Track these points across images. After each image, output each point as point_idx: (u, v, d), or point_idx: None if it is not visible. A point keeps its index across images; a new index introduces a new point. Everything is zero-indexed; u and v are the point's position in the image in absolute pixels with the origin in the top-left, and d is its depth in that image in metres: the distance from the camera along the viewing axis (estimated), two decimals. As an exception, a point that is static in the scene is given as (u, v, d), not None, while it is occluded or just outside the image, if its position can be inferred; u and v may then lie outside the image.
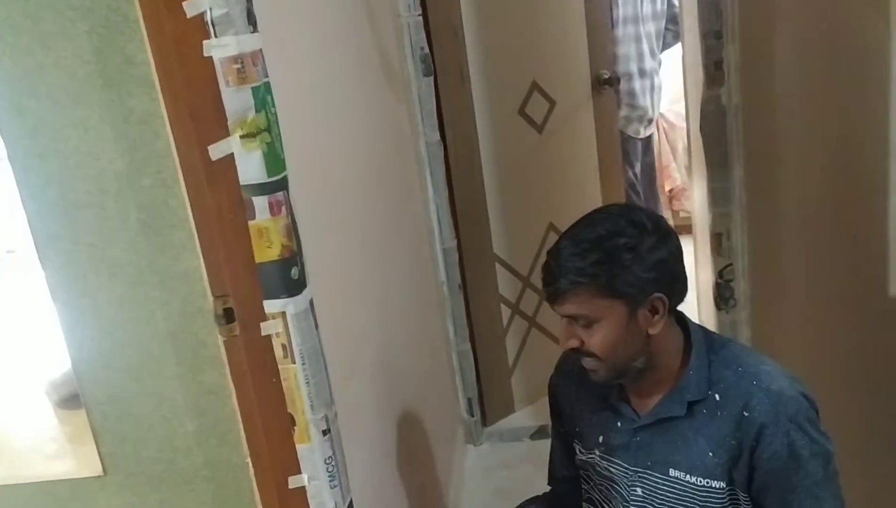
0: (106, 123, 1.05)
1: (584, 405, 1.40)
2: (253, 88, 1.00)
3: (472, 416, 2.85)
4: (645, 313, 1.20)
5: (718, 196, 2.54)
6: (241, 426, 1.16)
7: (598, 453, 1.38)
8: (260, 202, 1.04)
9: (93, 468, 1.21)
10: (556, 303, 1.22)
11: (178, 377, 1.16)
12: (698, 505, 1.27)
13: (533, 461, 2.75)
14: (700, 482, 1.26)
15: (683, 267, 1.23)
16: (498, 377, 2.97)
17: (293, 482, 1.16)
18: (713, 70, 2.42)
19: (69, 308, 1.13)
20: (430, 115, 2.53)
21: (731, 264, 2.60)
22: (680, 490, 1.28)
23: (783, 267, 2.26)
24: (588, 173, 3.13)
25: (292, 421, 1.13)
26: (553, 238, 3.02)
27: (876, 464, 1.72)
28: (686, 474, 1.27)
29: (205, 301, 1.11)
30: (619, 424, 1.34)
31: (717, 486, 1.25)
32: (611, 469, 1.36)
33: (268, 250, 1.06)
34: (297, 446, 1.14)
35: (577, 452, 1.43)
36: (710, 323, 2.86)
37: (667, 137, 4.66)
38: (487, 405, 2.94)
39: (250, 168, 1.02)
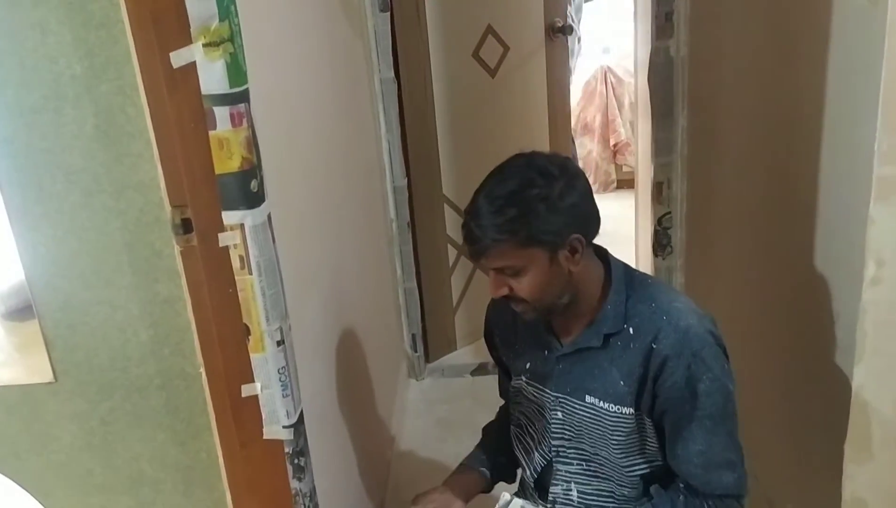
0: (65, 26, 1.04)
1: (516, 337, 1.48)
2: (217, -4, 1.01)
3: (416, 352, 2.92)
4: (565, 255, 1.27)
5: (662, 146, 2.63)
6: (195, 336, 1.18)
7: (524, 379, 1.46)
8: (221, 113, 1.05)
9: (43, 375, 1.22)
10: (480, 259, 1.28)
11: (134, 286, 1.17)
12: (610, 429, 1.36)
13: (473, 396, 2.85)
14: (612, 408, 1.34)
15: (593, 203, 1.30)
16: (442, 315, 3.04)
17: (246, 390, 1.19)
18: (663, 21, 2.48)
19: (22, 214, 1.13)
20: (385, 51, 2.53)
21: (669, 212, 2.71)
22: (594, 414, 1.37)
23: (717, 217, 2.36)
24: (538, 120, 3.17)
25: (247, 331, 1.16)
26: (501, 182, 3.10)
27: (791, 409, 1.82)
28: (600, 400, 1.35)
29: (162, 211, 1.12)
30: (545, 353, 1.42)
31: (627, 412, 1.34)
32: (535, 393, 1.45)
33: (227, 162, 1.07)
34: (251, 355, 1.17)
35: (511, 376, 1.52)
36: (647, 269, 2.97)
37: (614, 91, 4.74)
38: (431, 341, 3.00)
39: (212, 78, 1.03)
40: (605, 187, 4.84)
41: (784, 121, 1.74)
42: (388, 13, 2.51)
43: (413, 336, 2.89)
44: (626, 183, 4.80)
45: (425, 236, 2.88)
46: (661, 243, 2.67)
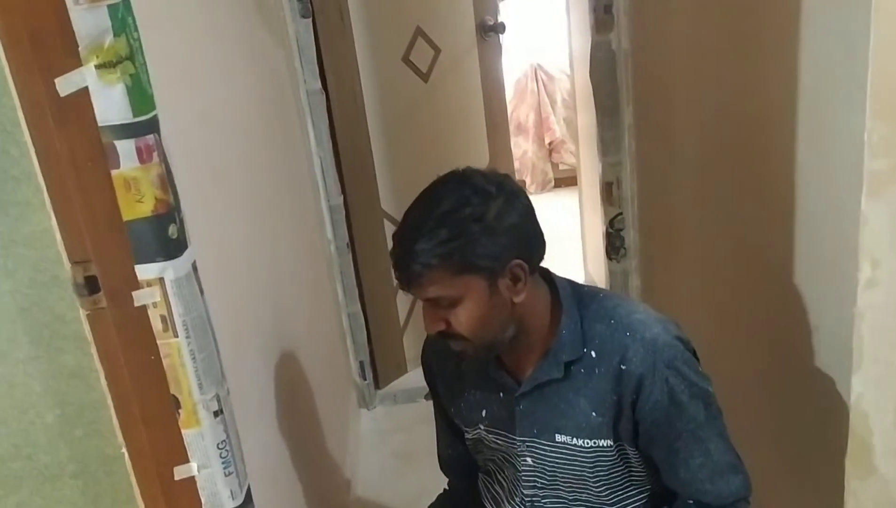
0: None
1: (462, 383, 1.32)
2: (109, 7, 0.82)
3: (365, 379, 2.74)
4: (506, 283, 1.13)
5: (609, 144, 2.52)
6: (112, 412, 1.00)
7: (482, 427, 1.31)
8: (125, 147, 0.87)
9: (-69, 472, 1.02)
10: (411, 289, 1.13)
11: (33, 359, 0.98)
12: (588, 466, 1.23)
13: (429, 421, 2.66)
14: (587, 443, 1.21)
15: (537, 224, 1.16)
16: (389, 337, 2.87)
17: (180, 472, 1.02)
18: (602, 14, 2.37)
19: None
20: (309, 61, 2.35)
21: (621, 213, 2.60)
22: (569, 453, 1.23)
23: (675, 216, 2.26)
24: (475, 123, 3.04)
25: (177, 404, 0.98)
26: (442, 192, 2.95)
27: (756, 407, 1.73)
28: (572, 437, 1.22)
29: (61, 269, 0.94)
30: (500, 395, 1.27)
31: (605, 444, 1.21)
32: (498, 441, 1.30)
33: (138, 206, 0.89)
34: (183, 431, 1.00)
35: (464, 430, 1.36)
36: (600, 273, 2.87)
37: (545, 89, 4.65)
38: (380, 366, 2.84)
39: (111, 106, 0.85)
40: (543, 187, 4.75)
41: (751, 114, 1.64)
42: (310, 19, 2.33)
43: (361, 363, 2.71)
44: (563, 181, 4.73)
45: (366, 255, 2.71)
46: (614, 246, 2.57)
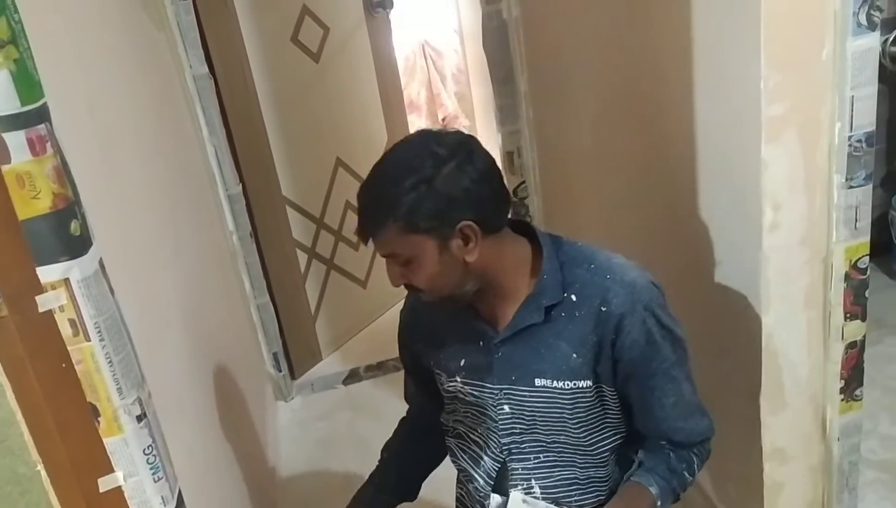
0: None
1: (442, 334, 1.33)
2: (-17, -14, 0.75)
3: (280, 371, 2.67)
4: (457, 243, 1.16)
5: (506, 114, 2.53)
6: (24, 428, 0.92)
7: (459, 379, 1.32)
8: (14, 140, 0.79)
9: None
10: (368, 243, 1.19)
11: (-74, 379, 0.89)
12: (567, 409, 1.25)
13: (350, 406, 2.65)
14: (567, 385, 1.24)
15: (495, 186, 1.18)
16: (301, 326, 2.81)
17: (105, 483, 0.95)
18: (491, -17, 2.36)
19: None
20: (193, 44, 2.24)
21: (524, 182, 2.63)
22: (548, 397, 1.26)
23: (578, 179, 2.30)
24: (371, 101, 2.99)
25: (95, 412, 0.92)
26: (343, 174, 2.90)
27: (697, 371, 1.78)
28: (552, 380, 1.25)
29: (-49, 277, 0.85)
30: (480, 343, 1.28)
31: (585, 385, 1.24)
32: (474, 393, 1.31)
33: (34, 202, 0.82)
34: (104, 440, 0.93)
35: (441, 383, 1.36)
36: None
37: (434, 65, 4.62)
38: (294, 356, 2.77)
39: (-6, 94, 0.77)
40: (440, 163, 4.74)
41: (645, 70, 1.67)
42: (191, 1, 2.22)
43: (274, 355, 2.64)
44: (460, 156, 4.73)
45: (271, 244, 2.63)
46: (519, 214, 2.59)
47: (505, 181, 1.20)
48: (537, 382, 1.25)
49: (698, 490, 1.85)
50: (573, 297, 1.22)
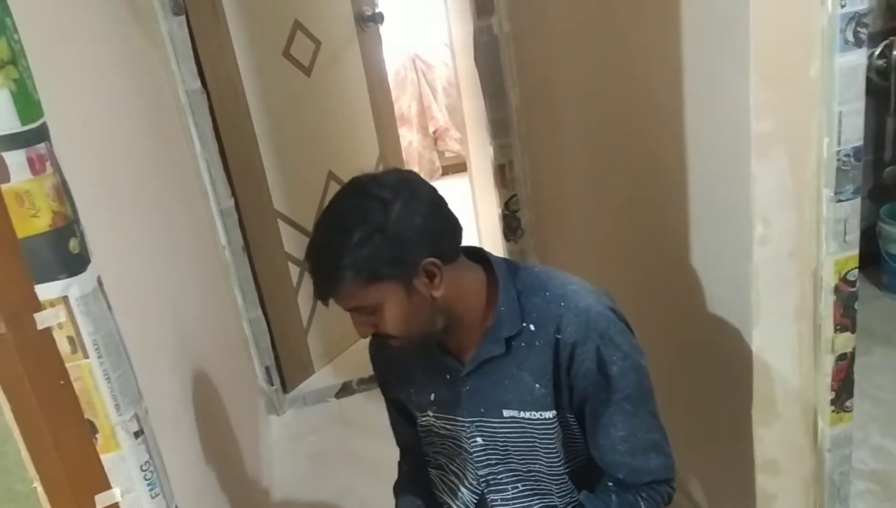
0: None
1: (410, 368, 1.32)
2: (-16, 7, 0.76)
3: (272, 384, 2.67)
4: (423, 281, 1.14)
5: (498, 127, 2.54)
6: (21, 445, 0.93)
7: (431, 413, 1.32)
8: (15, 159, 0.80)
9: None
10: (330, 302, 1.15)
11: (-76, 397, 0.89)
12: (537, 438, 1.25)
13: (342, 420, 2.65)
14: (533, 415, 1.23)
15: (444, 216, 1.16)
16: (293, 339, 2.80)
17: (102, 500, 0.96)
18: (482, -1, 2.38)
19: None
20: (186, 59, 2.24)
21: (515, 195, 2.64)
22: (517, 427, 1.25)
23: (567, 192, 2.31)
24: (362, 115, 3.00)
25: (93, 428, 0.92)
26: (335, 188, 2.86)
27: (686, 382, 1.79)
28: (519, 411, 1.24)
29: (-51, 296, 0.85)
30: (447, 377, 1.28)
31: (549, 416, 1.23)
32: (447, 426, 1.30)
33: (33, 221, 0.83)
34: (102, 457, 0.94)
35: (416, 416, 1.36)
36: (498, 254, 2.90)
37: (425, 77, 4.65)
38: (286, 370, 2.76)
39: (-6, 114, 0.78)
40: (431, 175, 4.77)
41: (636, 85, 1.69)
42: (184, 16, 2.23)
43: (267, 369, 2.63)
44: (451, 169, 4.76)
45: (263, 258, 2.63)
46: (511, 227, 2.60)
47: (450, 208, 1.17)
48: (505, 413, 1.24)
49: (691, 503, 1.85)
50: (531, 327, 1.21)
